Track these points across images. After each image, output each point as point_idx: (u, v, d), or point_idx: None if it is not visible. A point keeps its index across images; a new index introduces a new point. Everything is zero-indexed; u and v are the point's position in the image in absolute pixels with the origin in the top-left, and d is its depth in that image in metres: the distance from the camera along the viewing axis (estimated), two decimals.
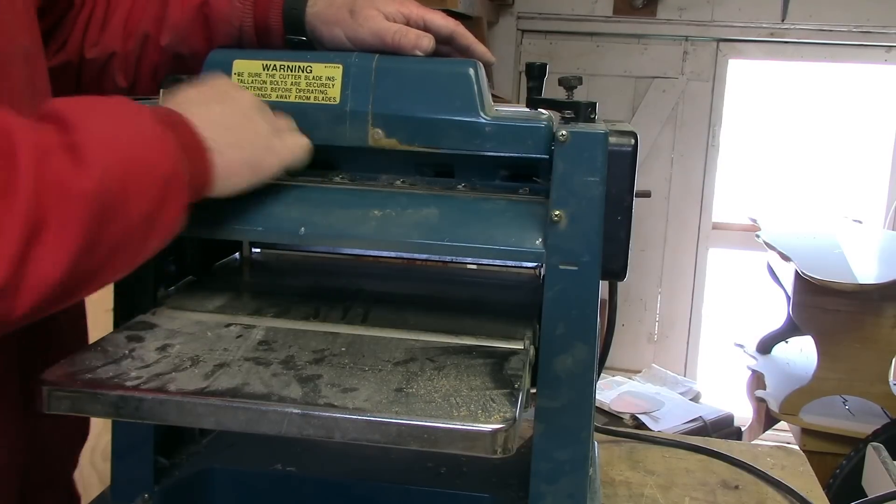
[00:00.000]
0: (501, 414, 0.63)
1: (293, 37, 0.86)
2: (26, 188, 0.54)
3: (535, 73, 0.84)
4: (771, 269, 2.64)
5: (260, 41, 0.88)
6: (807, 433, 2.31)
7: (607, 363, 0.88)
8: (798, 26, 2.94)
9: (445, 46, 0.83)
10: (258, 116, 0.74)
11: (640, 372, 3.01)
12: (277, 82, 0.79)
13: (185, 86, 0.74)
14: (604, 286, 0.75)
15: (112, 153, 0.59)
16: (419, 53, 0.79)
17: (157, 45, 0.89)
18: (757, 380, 2.60)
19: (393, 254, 1.04)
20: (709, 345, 3.21)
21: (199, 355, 0.72)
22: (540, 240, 0.72)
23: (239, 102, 0.74)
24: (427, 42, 0.79)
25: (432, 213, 0.76)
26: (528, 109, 0.82)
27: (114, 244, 0.60)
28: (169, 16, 0.89)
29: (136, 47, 0.89)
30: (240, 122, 0.72)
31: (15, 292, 0.54)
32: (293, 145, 0.76)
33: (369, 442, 0.63)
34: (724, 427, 2.52)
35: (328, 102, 0.78)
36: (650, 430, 2.35)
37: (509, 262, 1.03)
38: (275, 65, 0.79)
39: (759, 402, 2.51)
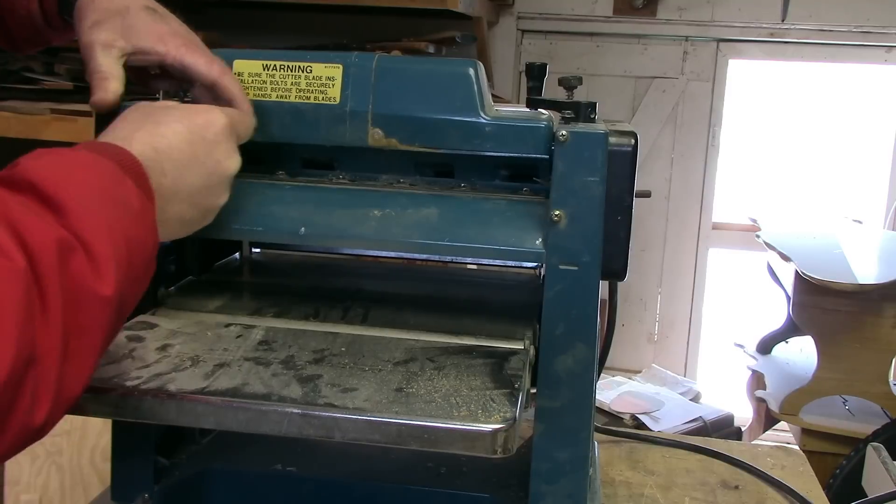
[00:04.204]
0: (501, 414, 0.63)
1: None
2: (55, 302, 0.49)
3: (535, 73, 0.84)
4: (771, 269, 2.64)
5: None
6: (807, 433, 2.31)
7: (607, 363, 0.88)
8: (798, 26, 2.93)
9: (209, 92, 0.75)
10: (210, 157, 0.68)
11: (640, 372, 3.00)
12: (277, 82, 0.79)
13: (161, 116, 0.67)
14: (604, 286, 0.75)
15: (117, 247, 0.55)
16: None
17: None
18: (757, 380, 2.60)
19: (393, 254, 1.04)
20: (709, 345, 3.21)
21: (199, 355, 0.72)
22: (540, 240, 0.72)
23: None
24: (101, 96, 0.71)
25: (432, 213, 0.76)
26: (528, 109, 0.82)
27: (122, 321, 0.59)
28: None
29: None
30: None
31: (51, 423, 0.51)
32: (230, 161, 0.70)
33: (369, 442, 0.63)
34: (724, 427, 2.51)
35: (328, 102, 0.78)
36: (650, 430, 2.35)
37: (509, 262, 1.03)
38: (275, 65, 0.79)
39: (759, 402, 2.50)
